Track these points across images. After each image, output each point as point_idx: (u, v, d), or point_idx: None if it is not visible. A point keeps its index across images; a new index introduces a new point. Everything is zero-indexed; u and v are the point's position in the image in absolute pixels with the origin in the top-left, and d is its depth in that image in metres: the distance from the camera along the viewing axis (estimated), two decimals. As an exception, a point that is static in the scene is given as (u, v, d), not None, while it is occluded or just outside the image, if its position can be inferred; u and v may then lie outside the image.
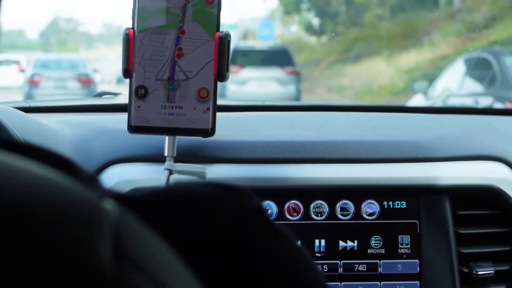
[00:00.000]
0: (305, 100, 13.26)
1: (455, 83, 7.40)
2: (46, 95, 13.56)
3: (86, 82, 14.89)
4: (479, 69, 7.21)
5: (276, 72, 12.83)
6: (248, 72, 12.72)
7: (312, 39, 23.53)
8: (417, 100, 7.80)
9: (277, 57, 13.24)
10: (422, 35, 16.07)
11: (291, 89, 12.64)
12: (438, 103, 7.30)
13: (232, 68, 12.25)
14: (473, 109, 1.36)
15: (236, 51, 12.98)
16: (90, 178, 0.42)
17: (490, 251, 1.14)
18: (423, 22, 17.13)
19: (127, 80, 0.99)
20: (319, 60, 19.53)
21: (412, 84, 8.24)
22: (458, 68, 7.63)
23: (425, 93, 7.65)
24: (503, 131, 1.26)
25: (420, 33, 16.38)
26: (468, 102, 6.87)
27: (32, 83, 14.43)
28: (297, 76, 13.06)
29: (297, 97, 12.70)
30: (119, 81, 20.38)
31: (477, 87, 7.07)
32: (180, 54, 0.97)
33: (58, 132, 1.14)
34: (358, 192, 1.13)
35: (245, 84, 12.49)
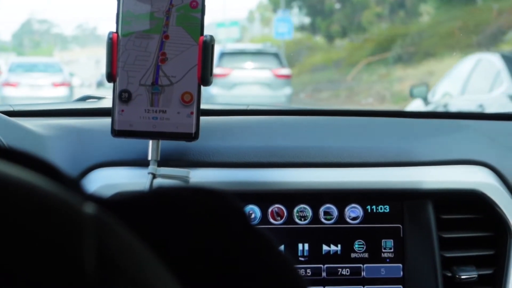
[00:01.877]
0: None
1: (457, 88, 7.27)
2: (21, 99, 13.72)
3: (62, 85, 15.04)
4: (485, 72, 7.05)
5: (266, 76, 12.87)
6: (237, 76, 12.75)
7: (319, 39, 22.69)
8: (416, 106, 7.76)
9: (268, 60, 13.28)
10: (496, 30, 14.28)
11: (281, 93, 12.69)
12: (440, 109, 7.26)
13: (220, 71, 12.30)
14: (457, 113, 1.43)
15: (224, 54, 13.03)
16: (73, 182, 0.44)
17: (473, 255, 1.22)
18: (487, 16, 15.13)
19: (108, 84, 1.06)
20: (340, 61, 18.16)
21: (411, 89, 8.17)
22: (460, 71, 7.50)
23: (424, 98, 7.60)
24: (486, 135, 1.33)
25: (490, 28, 14.55)
26: (472, 107, 6.81)
27: (8, 86, 14.58)
28: (288, 79, 13.10)
29: (289, 101, 12.74)
30: (99, 85, 20.34)
31: (481, 91, 6.99)
32: (164, 59, 1.03)
33: (42, 136, 1.20)
34: (342, 196, 1.20)
35: (233, 88, 12.52)
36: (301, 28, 23.86)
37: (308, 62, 19.57)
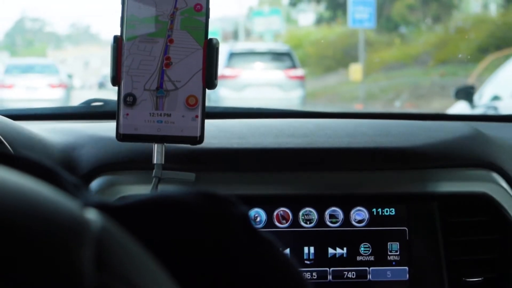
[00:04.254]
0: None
1: (508, 90, 6.97)
2: (17, 101, 13.95)
3: (59, 87, 15.25)
4: None
5: (278, 77, 12.88)
6: (247, 77, 12.76)
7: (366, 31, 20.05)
8: (460, 108, 7.40)
9: (279, 60, 13.27)
10: None
11: (294, 95, 12.68)
12: (490, 113, 6.99)
13: (229, 72, 12.31)
14: (464, 115, 1.51)
15: (233, 54, 13.04)
16: (75, 187, 0.47)
17: (479, 258, 1.30)
18: None
19: (110, 86, 1.12)
20: (422, 58, 15.77)
21: (455, 91, 7.76)
22: (510, 72, 7.20)
23: (470, 100, 7.25)
24: (493, 138, 1.41)
25: None
26: None
27: (3, 88, 14.81)
28: (301, 81, 13.10)
29: (302, 104, 12.71)
30: (101, 87, 20.38)
31: None
32: (168, 63, 1.09)
33: (47, 140, 1.28)
34: (347, 199, 1.29)
35: (243, 90, 12.52)
36: (319, 20, 23.05)
37: (374, 59, 17.17)
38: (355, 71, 15.65)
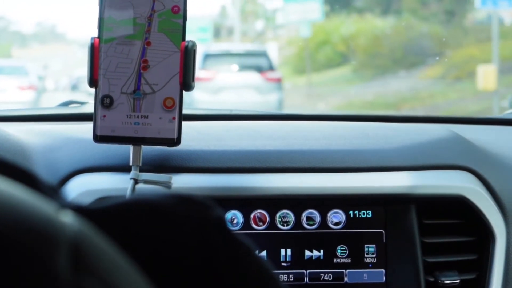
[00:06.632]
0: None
1: None
2: None
3: (29, 89, 15.22)
4: None
5: (255, 79, 12.88)
6: (222, 79, 12.76)
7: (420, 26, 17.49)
8: None
9: (257, 61, 13.27)
10: None
11: (271, 98, 12.66)
12: None
13: (204, 74, 12.30)
14: (440, 117, 1.55)
15: (208, 56, 13.03)
16: (51, 190, 0.48)
17: (456, 260, 1.34)
18: None
19: (83, 89, 1.15)
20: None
21: (510, 98, 7.41)
22: None
23: None
24: (470, 140, 1.45)
25: None
26: None
27: None
28: (279, 83, 13.10)
29: (279, 107, 12.71)
30: (74, 89, 20.34)
31: None
32: (146, 66, 1.12)
33: (24, 142, 1.31)
34: (324, 202, 1.32)
35: (218, 92, 12.52)
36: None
37: (456, 57, 14.40)
38: (488, 75, 11.98)
